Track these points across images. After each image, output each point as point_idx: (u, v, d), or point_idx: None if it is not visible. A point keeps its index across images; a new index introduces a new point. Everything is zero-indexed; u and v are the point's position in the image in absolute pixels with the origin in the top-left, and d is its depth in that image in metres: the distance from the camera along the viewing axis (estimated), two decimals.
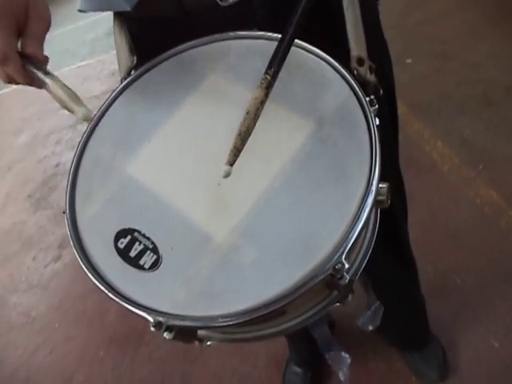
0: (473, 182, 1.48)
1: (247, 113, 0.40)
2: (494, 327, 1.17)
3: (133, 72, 0.53)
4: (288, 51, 0.43)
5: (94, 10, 0.54)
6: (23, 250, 1.95)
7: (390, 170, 0.75)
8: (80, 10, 0.55)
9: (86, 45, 3.63)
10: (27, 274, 1.84)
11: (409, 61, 2.02)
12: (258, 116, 0.41)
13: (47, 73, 0.50)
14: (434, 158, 1.60)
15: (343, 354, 0.58)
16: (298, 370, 1.21)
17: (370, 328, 0.61)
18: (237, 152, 0.40)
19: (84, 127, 0.51)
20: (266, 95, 0.41)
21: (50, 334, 1.59)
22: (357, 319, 0.62)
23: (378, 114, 0.45)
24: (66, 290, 1.70)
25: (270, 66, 0.42)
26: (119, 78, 0.54)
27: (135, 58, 0.54)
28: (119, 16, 0.55)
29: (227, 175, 0.40)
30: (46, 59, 0.50)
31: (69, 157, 2.35)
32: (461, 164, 1.55)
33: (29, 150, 2.61)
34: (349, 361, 0.59)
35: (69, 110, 0.50)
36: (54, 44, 3.57)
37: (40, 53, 0.48)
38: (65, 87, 0.50)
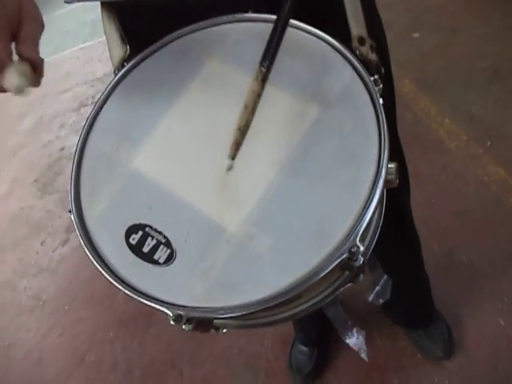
0: (480, 159, 1.46)
1: (245, 107, 0.41)
2: (499, 305, 1.17)
3: (125, 63, 0.51)
4: (281, 40, 0.42)
5: (81, 0, 0.52)
6: (31, 235, 1.97)
7: (393, 147, 0.74)
8: (66, 1, 0.53)
9: (87, 26, 3.57)
10: (36, 258, 1.86)
11: (416, 35, 1.97)
12: (256, 109, 0.41)
13: None
14: (441, 135, 1.58)
15: (357, 331, 0.59)
16: (304, 348, 1.22)
17: (381, 301, 0.63)
18: (237, 146, 0.41)
19: (88, 109, 0.49)
20: (263, 88, 0.41)
21: (61, 317, 1.62)
22: (367, 295, 0.63)
23: (381, 94, 0.44)
24: (75, 273, 1.73)
25: (264, 58, 0.41)
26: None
27: (128, 48, 0.52)
28: (107, 5, 0.53)
29: (230, 168, 0.41)
30: (42, 62, 0.47)
31: (73, 141, 2.34)
32: (468, 141, 1.52)
33: (33, 135, 2.60)
34: (364, 335, 0.60)
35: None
36: (56, 25, 3.52)
37: (37, 56, 0.45)
38: None
